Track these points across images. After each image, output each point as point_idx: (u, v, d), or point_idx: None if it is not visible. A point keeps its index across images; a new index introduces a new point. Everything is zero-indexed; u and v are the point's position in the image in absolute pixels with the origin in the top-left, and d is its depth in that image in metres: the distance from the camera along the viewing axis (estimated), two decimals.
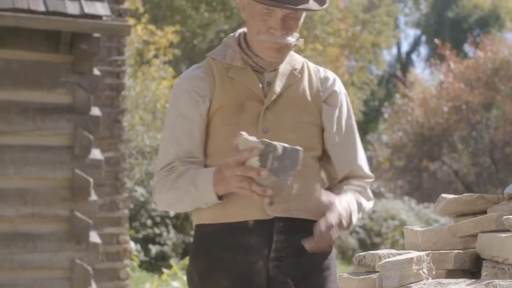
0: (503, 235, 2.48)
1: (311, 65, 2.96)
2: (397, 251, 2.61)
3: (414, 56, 41.49)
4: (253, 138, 2.54)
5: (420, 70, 40.60)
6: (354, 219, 2.75)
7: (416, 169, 22.39)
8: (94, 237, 6.96)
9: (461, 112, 21.19)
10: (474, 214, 2.78)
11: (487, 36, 23.70)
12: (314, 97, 2.85)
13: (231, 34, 2.93)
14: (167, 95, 16.19)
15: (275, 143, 2.53)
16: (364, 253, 2.63)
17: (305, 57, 3.08)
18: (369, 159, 25.77)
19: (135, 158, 13.83)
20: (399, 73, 31.16)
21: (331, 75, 2.95)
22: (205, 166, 2.78)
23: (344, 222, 2.65)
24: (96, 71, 7.01)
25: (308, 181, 2.74)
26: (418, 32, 39.76)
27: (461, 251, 2.64)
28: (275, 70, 2.83)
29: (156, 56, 17.64)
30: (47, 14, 6.62)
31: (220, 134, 2.76)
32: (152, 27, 17.28)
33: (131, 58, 15.83)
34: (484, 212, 2.77)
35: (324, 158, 2.88)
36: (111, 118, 9.83)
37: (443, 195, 2.82)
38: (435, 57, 28.77)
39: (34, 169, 6.82)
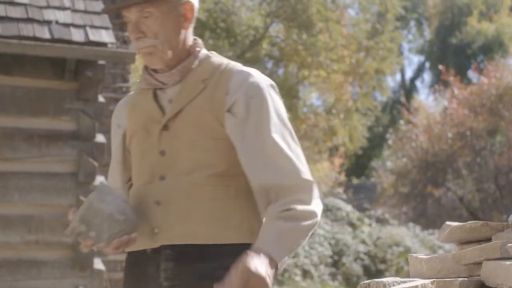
0: (508, 263, 2.48)
1: (229, 69, 2.62)
2: (402, 279, 2.61)
3: (418, 82, 41.62)
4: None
5: (424, 96, 40.72)
6: (280, 256, 2.43)
7: (420, 195, 22.33)
8: (98, 264, 6.95)
9: (465, 138, 21.18)
10: (479, 241, 2.78)
11: (491, 62, 23.75)
12: (216, 108, 2.55)
13: None
14: None
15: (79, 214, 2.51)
16: (369, 281, 2.62)
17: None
18: (374, 186, 25.73)
19: None
20: (403, 99, 31.22)
21: (244, 77, 2.59)
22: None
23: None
24: (100, 98, 7.04)
25: (197, 203, 2.53)
26: (422, 58, 39.91)
27: (466, 279, 2.63)
28: (179, 83, 2.61)
29: None
30: (52, 42, 6.66)
31: (133, 162, 2.69)
32: None
33: (136, 84, 15.90)
34: (488, 239, 2.77)
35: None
36: None
37: (448, 222, 2.82)
38: (439, 83, 28.82)
39: (38, 195, 6.83)
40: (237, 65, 2.64)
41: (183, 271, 2.52)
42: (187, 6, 2.60)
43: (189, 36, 2.64)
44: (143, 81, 2.66)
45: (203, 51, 2.67)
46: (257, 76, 2.60)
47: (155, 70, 2.63)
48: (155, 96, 2.64)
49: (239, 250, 2.48)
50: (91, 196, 2.52)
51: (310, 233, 2.53)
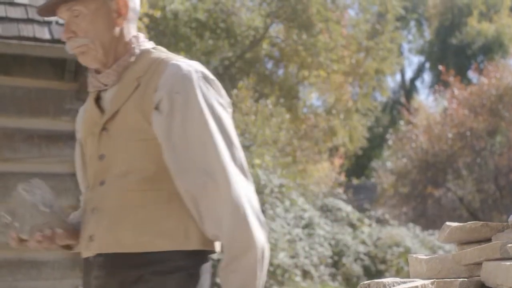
0: (508, 263, 2.48)
1: (163, 63, 2.44)
2: (402, 279, 2.61)
3: (418, 83, 41.64)
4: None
5: (424, 97, 40.73)
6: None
7: (420, 195, 22.34)
8: None
9: (465, 138, 21.19)
10: (479, 241, 2.78)
11: (491, 63, 23.75)
12: (145, 106, 2.41)
13: None
14: None
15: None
16: (369, 281, 2.62)
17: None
18: (374, 186, 25.74)
19: None
20: (403, 99, 31.23)
21: (173, 70, 2.40)
22: None
23: None
24: None
25: (127, 210, 2.41)
26: (422, 58, 39.92)
27: (466, 279, 2.63)
28: (118, 83, 2.50)
29: None
30: (53, 42, 6.67)
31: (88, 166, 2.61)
32: None
33: None
34: (488, 239, 2.77)
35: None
36: None
37: (448, 223, 2.82)
38: (439, 83, 28.83)
39: None
40: (173, 59, 2.46)
41: (113, 279, 2.42)
42: (120, 1, 2.50)
43: (126, 32, 2.53)
44: (89, 84, 2.57)
45: (143, 47, 2.53)
46: (188, 68, 2.40)
47: (98, 72, 2.54)
48: (98, 99, 2.55)
49: (172, 257, 2.38)
50: (19, 186, 2.48)
51: (263, 260, 2.34)
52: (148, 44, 2.56)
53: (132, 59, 2.50)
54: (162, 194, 2.40)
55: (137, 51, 2.51)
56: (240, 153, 2.39)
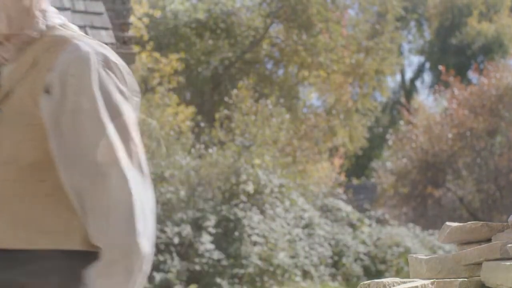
0: (508, 263, 2.48)
1: (64, 43, 2.17)
2: (402, 279, 2.61)
3: (418, 83, 41.61)
4: None
5: (424, 97, 40.71)
6: None
7: (420, 195, 22.35)
8: None
9: (465, 138, 21.20)
10: (479, 241, 2.78)
11: (491, 63, 23.77)
12: (37, 88, 2.13)
13: None
14: (171, 122, 16.25)
15: None
16: (369, 281, 2.62)
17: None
18: (374, 186, 25.75)
19: None
20: (403, 99, 31.26)
21: (72, 50, 2.12)
22: None
23: None
24: None
25: (5, 201, 2.15)
26: (422, 59, 39.92)
27: (465, 279, 2.63)
28: (17, 60, 2.22)
29: (160, 83, 17.73)
30: None
31: None
32: (156, 54, 17.38)
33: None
34: (488, 239, 2.77)
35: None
36: None
37: (448, 223, 2.82)
38: (439, 83, 28.84)
39: None
40: (76, 38, 2.18)
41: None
42: None
43: (35, 4, 2.25)
44: None
45: (49, 23, 2.26)
46: (86, 49, 2.13)
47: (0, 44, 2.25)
48: None
49: (53, 256, 2.12)
50: None
51: (140, 271, 2.05)
52: (57, 20, 2.29)
53: (36, 34, 2.24)
54: (44, 185, 2.14)
55: (42, 26, 2.25)
56: (138, 148, 2.12)
